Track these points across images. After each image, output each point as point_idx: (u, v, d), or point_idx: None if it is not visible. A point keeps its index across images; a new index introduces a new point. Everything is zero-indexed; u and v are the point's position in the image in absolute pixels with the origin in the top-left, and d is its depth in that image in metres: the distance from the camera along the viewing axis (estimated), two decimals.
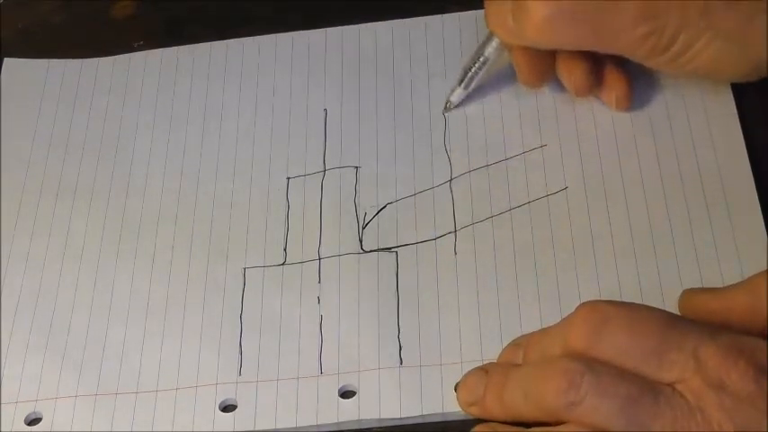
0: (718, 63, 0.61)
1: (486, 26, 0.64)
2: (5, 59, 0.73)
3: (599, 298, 0.57)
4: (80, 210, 0.66)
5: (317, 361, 0.58)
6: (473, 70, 0.66)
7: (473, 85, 0.66)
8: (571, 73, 0.64)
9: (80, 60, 0.73)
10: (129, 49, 0.73)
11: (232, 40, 0.72)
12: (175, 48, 0.73)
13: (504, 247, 0.61)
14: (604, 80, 0.64)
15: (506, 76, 0.67)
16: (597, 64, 0.64)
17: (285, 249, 0.63)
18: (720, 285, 0.55)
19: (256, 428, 0.56)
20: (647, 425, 0.49)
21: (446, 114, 0.67)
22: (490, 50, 0.65)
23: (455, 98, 0.67)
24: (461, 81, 0.66)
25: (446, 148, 0.65)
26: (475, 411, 0.55)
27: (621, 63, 0.64)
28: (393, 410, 0.56)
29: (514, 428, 0.53)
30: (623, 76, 0.64)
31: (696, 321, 0.52)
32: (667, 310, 0.53)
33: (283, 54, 0.71)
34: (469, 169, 0.64)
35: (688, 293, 0.56)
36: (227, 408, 0.57)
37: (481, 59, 0.65)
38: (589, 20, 0.60)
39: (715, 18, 0.59)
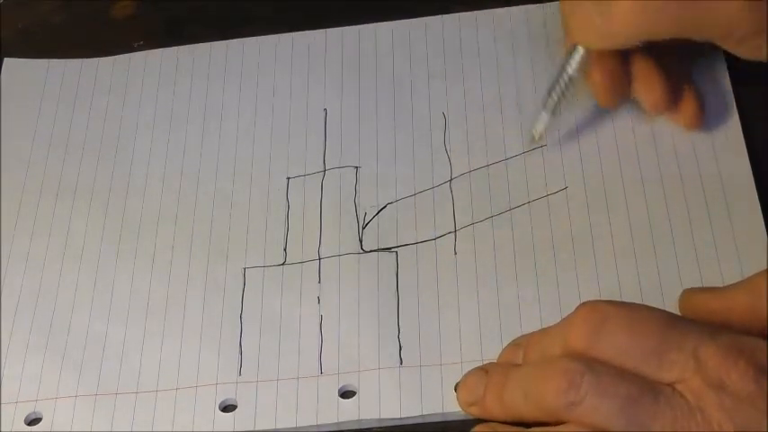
0: None
1: (564, 40, 0.62)
2: (5, 59, 0.73)
3: (599, 298, 0.57)
4: (80, 210, 0.66)
5: (317, 361, 0.58)
6: (558, 92, 0.62)
7: (561, 109, 0.62)
8: (651, 90, 0.62)
9: (80, 60, 0.73)
10: (129, 49, 0.73)
11: (232, 40, 0.72)
12: (175, 48, 0.73)
13: (504, 247, 0.61)
14: (678, 100, 0.63)
15: (507, 76, 0.67)
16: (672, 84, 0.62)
17: (285, 249, 0.63)
18: (720, 285, 0.55)
19: (256, 428, 0.56)
20: (647, 425, 0.49)
21: (533, 145, 0.63)
22: (574, 66, 0.61)
23: (542, 126, 0.63)
24: (545, 106, 0.62)
25: (446, 148, 0.65)
26: (475, 411, 0.55)
27: (692, 82, 0.63)
28: (393, 410, 0.56)
29: (514, 428, 0.53)
30: (695, 95, 0.63)
31: (696, 321, 0.52)
32: (667, 310, 0.53)
33: (283, 54, 0.71)
34: (469, 169, 0.64)
35: (688, 293, 0.56)
36: (227, 408, 0.57)
37: (565, 78, 0.61)
38: None
39: None
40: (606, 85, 0.62)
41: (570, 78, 0.62)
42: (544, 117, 0.62)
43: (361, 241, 0.62)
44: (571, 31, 0.61)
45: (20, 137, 0.70)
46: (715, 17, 0.58)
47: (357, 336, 0.59)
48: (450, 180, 0.64)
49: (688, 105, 0.63)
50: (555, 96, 0.62)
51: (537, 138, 0.63)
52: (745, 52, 0.60)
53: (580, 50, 0.61)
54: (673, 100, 0.62)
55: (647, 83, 0.62)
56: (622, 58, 0.62)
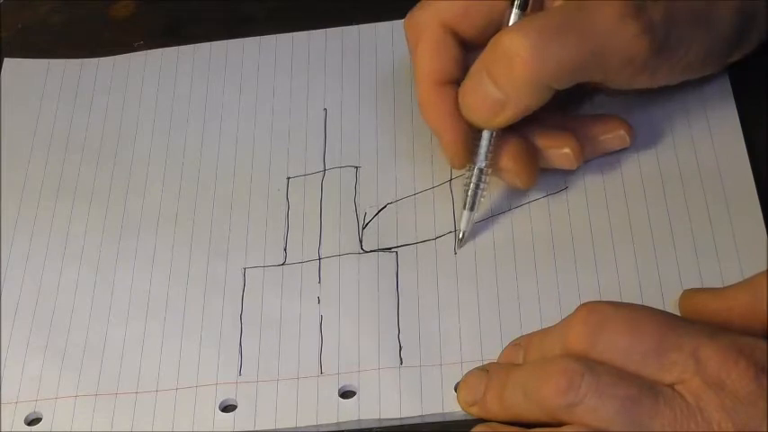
0: (709, 52, 0.59)
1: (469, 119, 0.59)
2: (5, 59, 0.74)
3: (599, 298, 0.57)
4: (80, 210, 0.66)
5: (317, 361, 0.58)
6: (472, 188, 0.60)
7: (478, 203, 0.60)
8: (563, 147, 0.61)
9: (80, 60, 0.73)
10: (129, 49, 0.73)
11: (232, 40, 0.72)
12: (175, 48, 0.73)
13: (504, 247, 0.61)
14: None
15: None
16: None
17: (285, 249, 0.63)
18: (720, 285, 0.55)
19: (256, 428, 0.56)
20: (646, 425, 0.49)
21: (459, 249, 0.61)
22: (482, 156, 0.60)
23: (465, 225, 0.61)
24: (465, 204, 0.60)
25: None
26: (475, 411, 0.55)
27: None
28: (393, 410, 0.56)
29: (515, 429, 0.53)
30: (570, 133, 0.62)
31: (696, 322, 0.52)
32: (667, 310, 0.53)
33: (283, 54, 0.71)
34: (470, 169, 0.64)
35: (688, 293, 0.56)
36: (227, 408, 0.57)
37: (476, 171, 0.60)
38: (574, 27, 0.57)
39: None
40: (520, 168, 0.60)
41: (481, 170, 0.60)
42: (465, 215, 0.60)
43: (361, 241, 0.62)
44: (470, 112, 0.59)
45: (20, 137, 0.70)
46: (613, 42, 0.57)
47: (357, 336, 0.59)
48: (451, 180, 0.64)
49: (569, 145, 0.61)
50: (470, 192, 0.60)
51: (461, 237, 0.61)
52: (647, 80, 0.59)
53: (485, 136, 0.59)
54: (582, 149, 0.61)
55: (557, 146, 0.61)
56: (522, 137, 0.61)
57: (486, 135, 0.60)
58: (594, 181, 0.62)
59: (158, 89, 0.71)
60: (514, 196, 0.62)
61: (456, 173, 0.64)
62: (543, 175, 0.63)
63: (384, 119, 0.67)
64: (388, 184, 0.64)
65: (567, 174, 0.63)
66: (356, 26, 0.72)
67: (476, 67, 0.59)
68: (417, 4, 0.62)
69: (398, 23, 0.71)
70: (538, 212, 0.62)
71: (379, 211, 0.63)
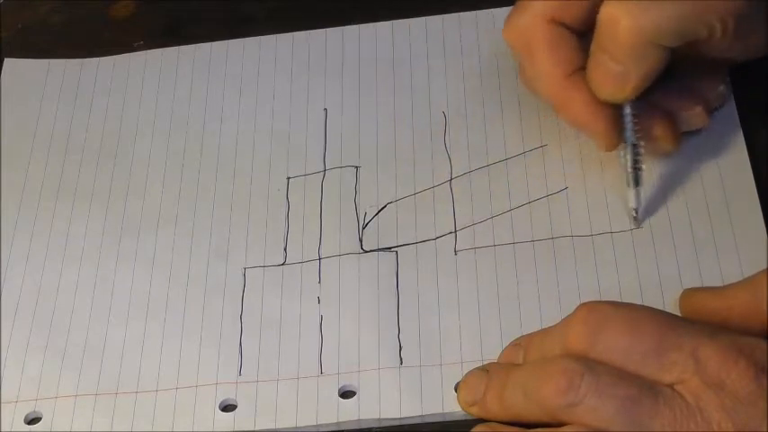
0: None
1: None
2: (5, 59, 0.73)
3: (599, 298, 0.57)
4: (80, 210, 0.66)
5: (317, 361, 0.58)
6: (630, 164, 0.60)
7: (641, 178, 0.60)
8: (695, 106, 0.61)
9: (80, 60, 0.73)
10: (129, 49, 0.73)
11: (232, 41, 0.72)
12: (176, 48, 0.73)
13: (504, 247, 0.61)
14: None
15: (507, 76, 0.67)
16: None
17: (285, 249, 0.63)
18: (720, 285, 0.55)
19: (256, 428, 0.56)
20: (646, 425, 0.49)
21: (639, 226, 0.60)
22: (630, 131, 0.60)
23: (635, 202, 0.60)
24: (630, 182, 0.60)
25: (446, 147, 0.65)
26: (475, 411, 0.55)
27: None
28: (393, 410, 0.56)
29: (515, 429, 0.53)
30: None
31: (695, 322, 0.52)
32: (667, 310, 0.53)
33: (283, 54, 0.71)
34: (469, 169, 0.64)
35: (688, 293, 0.56)
36: (227, 408, 0.57)
37: (630, 148, 0.60)
38: None
39: None
40: (670, 133, 0.61)
41: (635, 146, 0.60)
42: (632, 193, 0.60)
43: (361, 241, 0.62)
44: (600, 91, 0.59)
45: (20, 137, 0.70)
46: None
47: (357, 336, 0.59)
48: (451, 180, 0.64)
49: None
50: (630, 170, 0.60)
51: (635, 216, 0.60)
52: (740, 47, 0.59)
53: (627, 112, 0.60)
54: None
55: (689, 106, 0.61)
56: (658, 106, 0.61)
57: (627, 111, 0.60)
58: (594, 181, 0.62)
59: (158, 89, 0.71)
60: (514, 196, 0.62)
61: (456, 173, 0.64)
62: (543, 176, 0.63)
63: (384, 119, 0.67)
64: (388, 184, 0.64)
65: (566, 174, 0.63)
66: (356, 26, 0.72)
67: (592, 47, 0.59)
68: (512, 11, 0.61)
69: (398, 23, 0.71)
70: (538, 212, 0.62)
71: (379, 211, 0.63)
